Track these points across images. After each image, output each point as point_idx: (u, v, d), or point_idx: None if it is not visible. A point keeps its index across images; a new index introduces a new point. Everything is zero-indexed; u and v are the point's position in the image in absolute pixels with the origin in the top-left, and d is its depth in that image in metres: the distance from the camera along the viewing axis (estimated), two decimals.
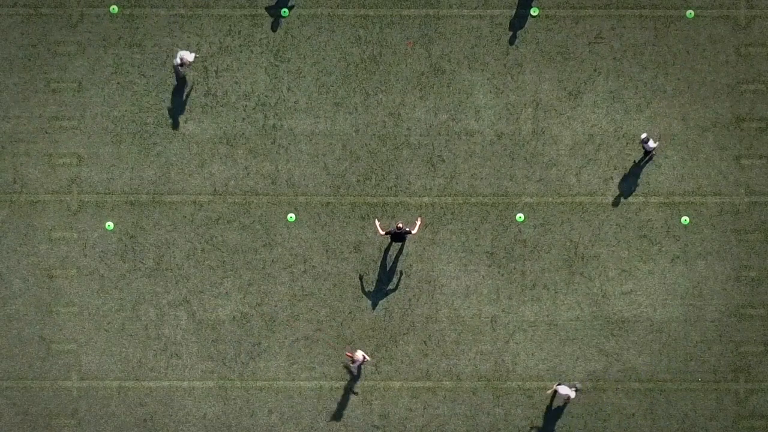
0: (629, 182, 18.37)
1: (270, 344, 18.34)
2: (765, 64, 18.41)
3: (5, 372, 18.37)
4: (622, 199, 18.39)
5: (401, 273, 18.34)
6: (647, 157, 18.15)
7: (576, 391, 17.78)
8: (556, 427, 18.28)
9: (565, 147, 18.37)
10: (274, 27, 17.87)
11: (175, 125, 18.42)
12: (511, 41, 18.49)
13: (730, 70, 18.40)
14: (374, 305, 18.35)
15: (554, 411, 18.27)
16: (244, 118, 18.43)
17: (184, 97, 17.35)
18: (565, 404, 18.16)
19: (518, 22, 18.49)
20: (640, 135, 17.89)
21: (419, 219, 17.55)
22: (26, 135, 18.40)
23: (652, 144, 17.49)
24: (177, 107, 18.43)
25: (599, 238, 18.34)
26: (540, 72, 18.44)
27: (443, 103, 18.41)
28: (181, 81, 17.86)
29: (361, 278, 18.28)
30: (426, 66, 18.45)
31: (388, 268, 18.38)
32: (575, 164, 18.40)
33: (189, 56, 17.40)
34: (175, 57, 17.79)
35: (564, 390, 17.14)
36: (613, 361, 18.28)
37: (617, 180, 18.38)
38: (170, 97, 18.45)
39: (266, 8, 17.88)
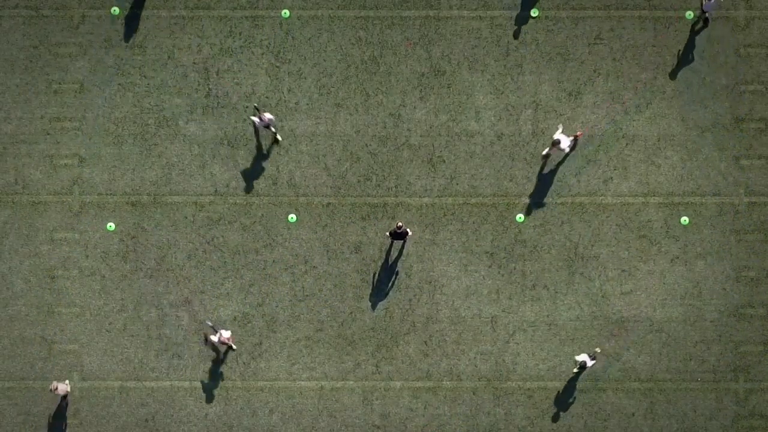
0: (629, 182, 18.40)
1: (271, 344, 18.36)
2: (764, 64, 18.44)
3: (7, 372, 18.39)
4: (622, 200, 18.41)
5: (395, 273, 18.37)
6: (562, 156, 17.96)
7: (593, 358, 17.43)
8: (556, 427, 18.30)
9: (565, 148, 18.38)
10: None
11: (177, 126, 18.45)
12: (511, 42, 18.51)
13: (730, 71, 18.43)
14: (374, 306, 18.37)
15: (554, 411, 18.29)
16: (245, 119, 18.46)
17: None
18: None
19: (518, 23, 18.52)
20: (554, 135, 17.40)
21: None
22: (28, 136, 18.43)
23: (564, 142, 17.15)
24: (178, 108, 18.47)
25: (599, 238, 18.37)
26: (540, 73, 18.47)
27: (443, 104, 18.44)
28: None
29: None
30: (426, 67, 18.48)
31: (388, 269, 18.41)
32: (575, 165, 18.43)
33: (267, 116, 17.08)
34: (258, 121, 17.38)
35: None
36: (612, 361, 18.31)
37: (617, 180, 18.40)
38: (171, 98, 18.49)
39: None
